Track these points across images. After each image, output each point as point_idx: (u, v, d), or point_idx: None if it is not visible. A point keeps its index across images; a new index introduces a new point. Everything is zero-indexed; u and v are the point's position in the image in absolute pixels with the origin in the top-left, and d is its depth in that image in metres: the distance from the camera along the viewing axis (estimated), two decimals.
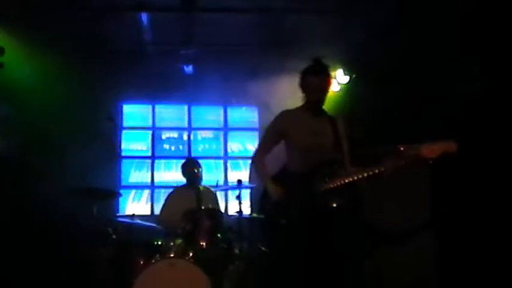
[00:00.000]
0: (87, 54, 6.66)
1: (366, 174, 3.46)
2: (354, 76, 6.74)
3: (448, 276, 4.78)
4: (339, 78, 6.81)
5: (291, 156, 3.86)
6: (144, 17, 6.31)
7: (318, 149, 3.73)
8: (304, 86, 3.82)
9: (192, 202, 5.30)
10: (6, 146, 4.72)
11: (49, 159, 6.32)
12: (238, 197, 5.28)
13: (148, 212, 7.39)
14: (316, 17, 6.09)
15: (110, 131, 6.87)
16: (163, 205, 5.98)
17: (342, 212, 3.63)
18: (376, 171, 3.43)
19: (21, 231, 5.52)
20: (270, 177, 3.86)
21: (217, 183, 6.00)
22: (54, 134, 6.33)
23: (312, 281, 3.55)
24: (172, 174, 7.51)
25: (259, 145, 4.09)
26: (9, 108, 6.03)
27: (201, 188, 5.73)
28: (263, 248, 5.28)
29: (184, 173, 5.99)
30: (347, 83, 6.83)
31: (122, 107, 7.61)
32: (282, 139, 3.89)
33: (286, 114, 3.91)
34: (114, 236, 5.15)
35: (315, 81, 3.75)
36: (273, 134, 3.94)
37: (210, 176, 7.31)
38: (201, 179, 5.90)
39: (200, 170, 5.91)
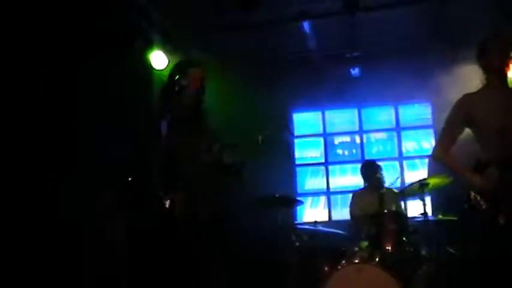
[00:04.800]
0: (257, 68, 6.91)
1: None
2: None
3: None
4: None
5: (484, 143, 3.45)
6: (307, 25, 6.39)
7: None
8: (483, 57, 3.47)
9: (374, 205, 5.18)
10: None
11: None
12: (422, 198, 5.03)
13: (326, 218, 7.38)
14: None
15: (285, 140, 7.03)
16: (351, 206, 5.92)
17: None
18: None
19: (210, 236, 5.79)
20: (468, 169, 3.45)
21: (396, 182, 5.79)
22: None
23: None
24: (347, 179, 7.46)
25: (442, 137, 3.66)
26: None
27: (383, 190, 5.56)
28: (452, 251, 5.02)
29: (364, 177, 5.89)
30: None
31: (292, 115, 7.75)
32: (468, 126, 3.51)
33: (468, 97, 3.53)
34: (297, 243, 5.22)
35: (495, 46, 3.42)
36: (457, 121, 3.54)
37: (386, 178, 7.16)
38: (383, 182, 5.75)
39: (382, 173, 5.76)
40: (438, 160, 3.66)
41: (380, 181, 5.72)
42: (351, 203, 5.92)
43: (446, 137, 3.62)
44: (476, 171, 3.39)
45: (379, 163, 6.00)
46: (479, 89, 3.56)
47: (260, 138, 3.42)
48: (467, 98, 3.53)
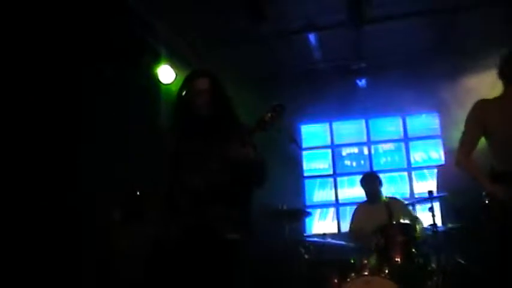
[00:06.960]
0: (264, 80, 6.91)
1: None
2: None
3: None
4: None
5: (496, 153, 3.43)
6: (312, 37, 6.40)
7: None
8: (505, 71, 3.49)
9: (381, 217, 5.14)
10: None
11: None
12: (431, 209, 5.00)
13: (335, 230, 7.35)
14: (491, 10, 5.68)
15: (293, 153, 7.00)
16: (352, 221, 5.87)
17: None
18: None
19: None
20: (485, 176, 3.39)
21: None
22: None
23: None
24: (356, 191, 7.37)
25: (461, 142, 3.59)
26: None
27: (387, 200, 5.51)
28: (462, 261, 4.97)
29: (363, 188, 5.86)
30: None
31: (299, 128, 7.75)
32: (484, 133, 3.48)
33: (482, 102, 3.51)
34: (306, 256, 5.19)
35: None
36: (474, 124, 3.51)
37: (395, 188, 7.14)
38: (381, 193, 5.70)
39: (378, 185, 5.72)
40: (460, 166, 3.57)
41: (378, 193, 5.67)
42: (355, 214, 5.86)
43: (465, 143, 3.58)
44: (494, 181, 3.34)
45: (380, 174, 5.97)
46: (495, 97, 3.55)
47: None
48: (482, 103, 3.53)
